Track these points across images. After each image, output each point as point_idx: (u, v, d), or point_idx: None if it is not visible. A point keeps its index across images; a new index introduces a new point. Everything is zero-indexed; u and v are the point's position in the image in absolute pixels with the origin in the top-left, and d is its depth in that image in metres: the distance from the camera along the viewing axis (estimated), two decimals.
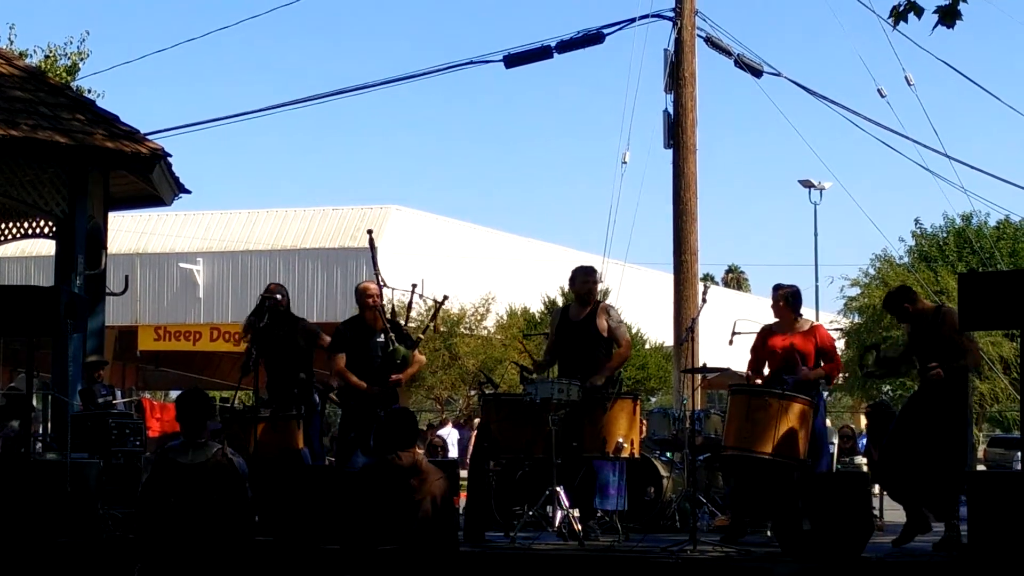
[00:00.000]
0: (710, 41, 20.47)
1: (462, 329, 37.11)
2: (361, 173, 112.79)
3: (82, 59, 30.57)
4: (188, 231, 38.69)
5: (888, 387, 40.73)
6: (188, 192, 16.66)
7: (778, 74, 21.27)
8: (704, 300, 13.23)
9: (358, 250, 34.34)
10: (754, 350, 12.05)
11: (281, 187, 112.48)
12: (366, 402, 11.96)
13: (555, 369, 12.42)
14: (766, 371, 11.95)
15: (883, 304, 12.35)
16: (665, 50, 20.18)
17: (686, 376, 14.69)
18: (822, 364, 11.86)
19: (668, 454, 14.23)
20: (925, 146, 22.94)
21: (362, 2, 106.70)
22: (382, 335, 12.10)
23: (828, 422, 23.15)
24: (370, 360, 12.07)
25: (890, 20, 11.47)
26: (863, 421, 29.69)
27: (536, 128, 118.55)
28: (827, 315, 43.61)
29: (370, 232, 13.92)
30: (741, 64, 20.74)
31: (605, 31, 20.30)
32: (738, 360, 12.89)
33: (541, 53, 20.47)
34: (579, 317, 12.20)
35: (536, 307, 39.89)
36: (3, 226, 16.66)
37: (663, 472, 13.55)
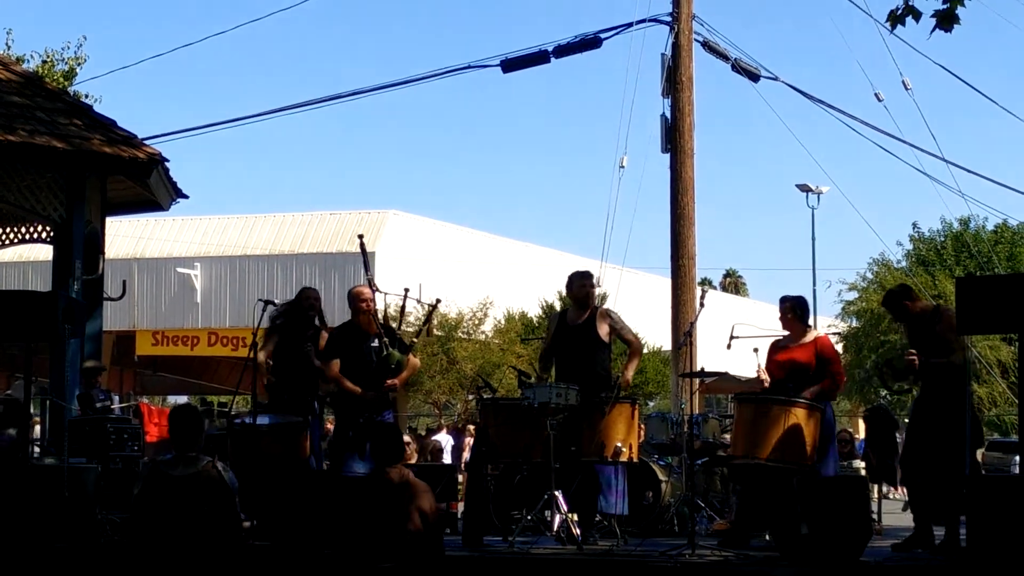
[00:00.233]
0: (707, 45, 20.48)
1: (460, 334, 37.08)
2: (359, 178, 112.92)
3: (79, 64, 30.58)
4: (186, 236, 38.66)
5: (885, 392, 40.73)
6: (186, 197, 16.66)
7: (775, 78, 21.28)
8: (702, 304, 13.23)
9: (356, 255, 34.15)
10: (766, 367, 12.00)
11: (279, 192, 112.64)
12: (360, 407, 11.94)
13: (553, 373, 12.42)
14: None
15: (882, 302, 12.34)
16: (662, 54, 20.19)
17: (684, 380, 14.68)
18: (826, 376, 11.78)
19: (666, 458, 14.22)
20: (923, 150, 22.93)
21: (360, 8, 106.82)
22: (376, 340, 12.07)
23: None
24: (364, 365, 12.03)
25: (888, 24, 11.47)
26: (861, 426, 29.70)
27: (534, 133, 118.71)
28: (825, 319, 43.64)
29: (361, 237, 13.93)
30: (738, 68, 20.74)
31: (602, 36, 20.32)
32: (736, 364, 12.88)
33: (539, 58, 20.48)
34: (578, 321, 12.21)
35: (534, 312, 39.87)
36: (1, 231, 16.65)
37: (661, 476, 13.55)
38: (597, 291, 13.66)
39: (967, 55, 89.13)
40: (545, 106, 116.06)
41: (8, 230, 16.51)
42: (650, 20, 20.32)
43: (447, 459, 25.84)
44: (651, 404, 43.42)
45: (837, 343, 43.82)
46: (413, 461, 19.41)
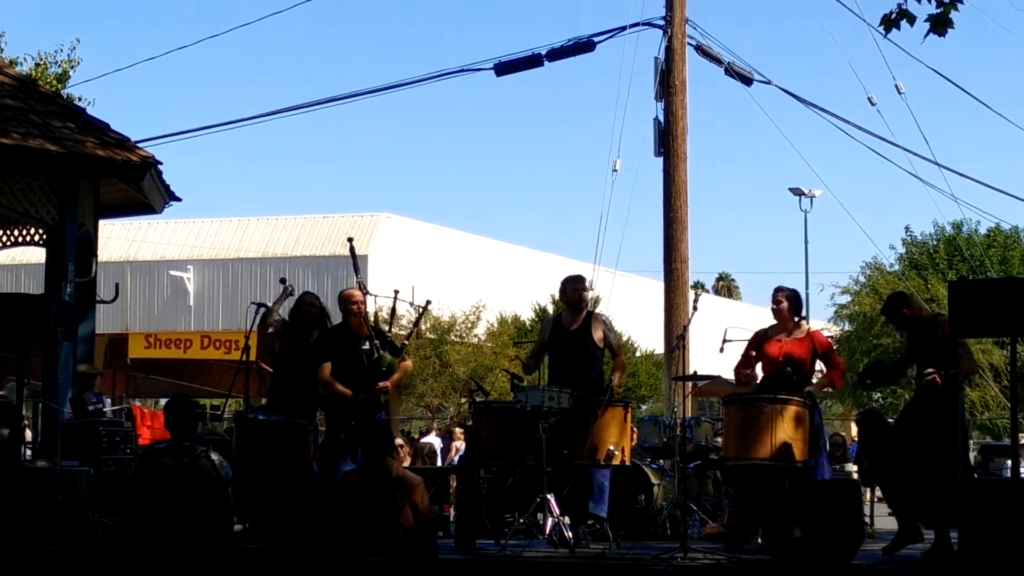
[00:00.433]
0: (700, 49, 20.49)
1: (452, 337, 37.09)
2: (352, 181, 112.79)
3: (72, 67, 30.56)
4: (179, 239, 38.64)
5: (879, 395, 40.76)
6: (179, 200, 16.64)
7: (768, 82, 21.31)
8: (695, 308, 13.24)
9: (349, 258, 34.31)
10: (747, 353, 12.01)
11: (272, 195, 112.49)
12: (352, 410, 11.93)
13: (545, 377, 12.43)
14: (757, 370, 11.93)
15: (881, 310, 12.36)
16: (656, 58, 20.20)
17: (677, 384, 14.73)
18: (824, 371, 11.85)
19: (659, 461, 14.24)
20: (915, 154, 22.98)
21: (353, 11, 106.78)
22: (367, 342, 12.08)
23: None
24: (356, 368, 12.03)
25: (881, 28, 11.47)
26: (853, 429, 29.73)
27: (527, 136, 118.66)
28: (818, 323, 43.59)
29: (350, 240, 13.93)
30: (731, 72, 20.76)
31: (596, 39, 20.32)
32: (729, 368, 12.89)
33: (532, 61, 20.48)
34: (573, 326, 12.23)
35: (527, 315, 39.88)
36: None
37: (654, 479, 13.56)
38: (590, 295, 13.66)
39: (960, 59, 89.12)
40: (538, 109, 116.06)
41: (1, 233, 16.49)
42: (643, 24, 20.33)
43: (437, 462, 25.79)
44: (644, 407, 43.41)
45: None
46: (406, 464, 19.38)
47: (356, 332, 12.11)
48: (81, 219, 15.12)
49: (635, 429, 14.15)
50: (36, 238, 15.76)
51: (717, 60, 20.65)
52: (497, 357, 36.22)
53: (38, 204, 14.62)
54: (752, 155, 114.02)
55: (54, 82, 28.80)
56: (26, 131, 14.11)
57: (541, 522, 11.43)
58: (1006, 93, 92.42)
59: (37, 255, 19.55)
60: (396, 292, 12.71)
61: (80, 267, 15.05)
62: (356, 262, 13.00)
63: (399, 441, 22.22)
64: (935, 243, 43.59)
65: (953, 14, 11.13)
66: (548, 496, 11.28)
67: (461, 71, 21.02)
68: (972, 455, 24.08)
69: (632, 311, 36.56)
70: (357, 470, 10.02)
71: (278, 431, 11.70)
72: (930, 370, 10.89)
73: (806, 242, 55.33)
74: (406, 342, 12.66)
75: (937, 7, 11.11)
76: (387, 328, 12.64)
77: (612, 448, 11.51)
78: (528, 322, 39.22)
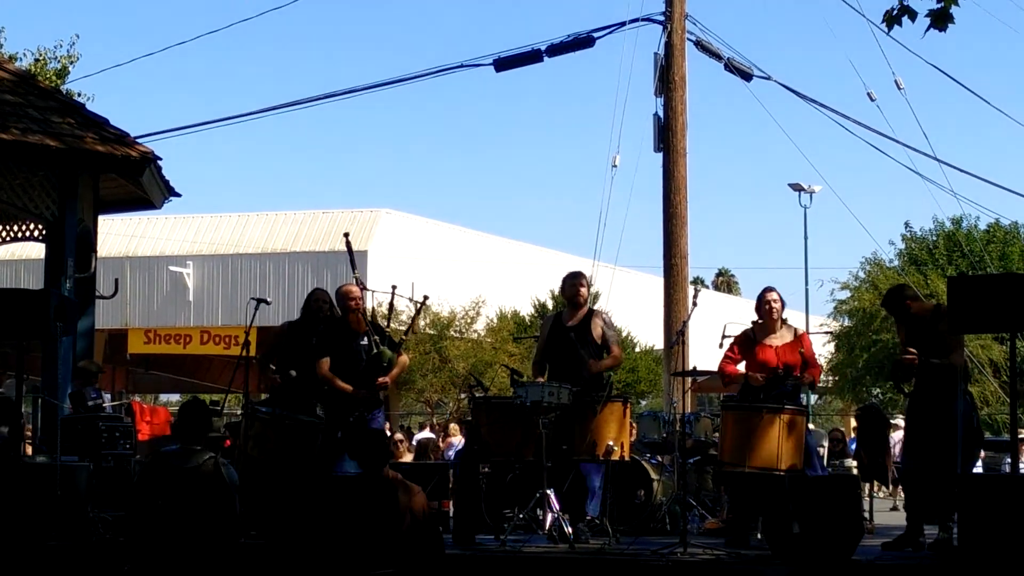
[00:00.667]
0: (700, 45, 20.50)
1: (452, 332, 37.10)
2: (351, 176, 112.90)
3: (72, 62, 30.51)
4: (178, 234, 38.65)
5: (878, 390, 40.77)
6: (178, 195, 16.64)
7: (768, 78, 21.31)
8: (694, 303, 13.23)
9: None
10: (732, 355, 11.96)
11: (271, 190, 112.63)
12: (351, 406, 11.93)
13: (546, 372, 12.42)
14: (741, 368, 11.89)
15: (883, 302, 12.32)
16: (655, 54, 20.21)
17: (676, 379, 14.74)
18: (807, 370, 11.83)
19: (658, 457, 14.24)
20: (915, 150, 23.01)
21: (352, 6, 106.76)
22: (365, 338, 12.07)
23: (812, 426, 23.18)
24: (355, 363, 12.02)
25: (883, 24, 11.47)
26: (852, 424, 29.72)
27: (526, 132, 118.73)
28: (817, 318, 43.70)
29: (347, 235, 13.93)
30: (731, 68, 20.76)
31: (595, 35, 20.35)
32: None
33: (531, 57, 20.49)
34: (573, 322, 12.24)
35: (526, 310, 39.91)
36: None
37: (653, 475, 13.55)
38: (591, 290, 13.66)
39: (959, 55, 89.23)
40: (538, 105, 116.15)
41: (0, 228, 16.49)
42: (643, 19, 20.36)
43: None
44: (643, 403, 43.45)
45: (829, 342, 43.93)
46: (406, 459, 19.37)
47: (354, 328, 12.10)
48: (80, 215, 15.11)
49: (634, 425, 14.15)
50: (36, 234, 15.76)
51: (717, 56, 20.66)
52: (497, 352, 36.25)
53: (38, 200, 14.62)
54: (752, 151, 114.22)
55: (53, 78, 28.77)
56: (25, 127, 14.10)
57: (541, 517, 11.43)
58: (1006, 89, 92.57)
59: (37, 250, 19.54)
60: (394, 288, 12.69)
61: (80, 262, 15.05)
62: (353, 258, 12.98)
63: (398, 436, 22.22)
64: (935, 239, 43.58)
65: (954, 9, 11.12)
66: (548, 491, 11.28)
67: (461, 67, 21.05)
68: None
69: (632, 307, 36.59)
70: (356, 479, 9.93)
71: (290, 428, 11.68)
72: (910, 349, 10.92)
73: (805, 238, 55.19)
74: (404, 337, 12.65)
75: (937, 2, 11.11)
76: (385, 324, 12.62)
77: (611, 444, 11.51)
78: (527, 318, 39.24)
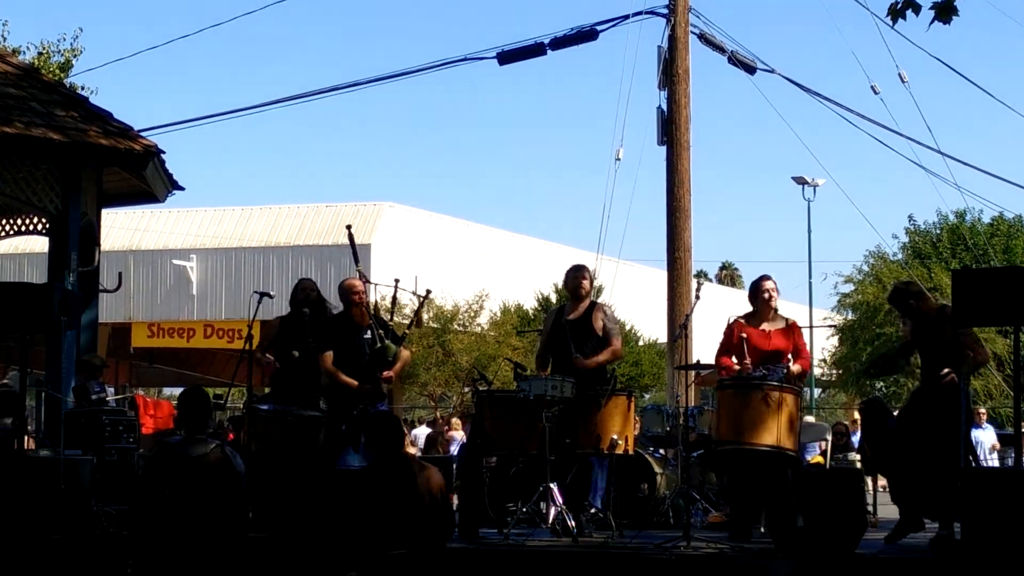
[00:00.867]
0: (703, 38, 20.49)
1: (456, 326, 37.11)
2: (355, 170, 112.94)
3: (75, 56, 30.56)
4: (181, 228, 38.66)
5: (881, 384, 40.76)
6: (181, 189, 16.66)
7: (771, 71, 21.30)
8: (698, 297, 13.20)
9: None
10: (727, 344, 11.95)
11: (275, 184, 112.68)
12: (355, 399, 11.93)
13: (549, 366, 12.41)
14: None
15: (888, 298, 12.31)
16: (659, 47, 20.20)
17: (680, 373, 14.67)
18: (794, 360, 11.81)
19: (661, 451, 14.23)
20: (919, 143, 22.95)
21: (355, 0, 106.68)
22: (369, 332, 12.05)
23: (812, 418, 23.18)
24: (358, 357, 12.02)
25: (887, 17, 11.45)
26: (856, 417, 29.70)
27: (530, 125, 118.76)
28: (821, 312, 43.70)
29: (349, 228, 13.90)
30: (735, 61, 20.75)
31: (599, 28, 20.33)
32: None
33: (535, 50, 20.48)
34: (575, 315, 12.22)
35: (530, 304, 39.90)
36: None
37: (657, 468, 13.55)
38: (595, 283, 13.64)
39: (963, 48, 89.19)
40: (541, 98, 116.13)
41: (4, 222, 16.50)
42: (646, 12, 20.35)
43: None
44: (647, 396, 43.43)
45: (832, 335, 43.92)
46: (410, 452, 19.38)
47: (358, 322, 12.09)
48: (84, 208, 15.13)
49: (638, 418, 14.14)
50: (39, 227, 15.78)
51: (720, 49, 20.65)
52: (500, 346, 36.27)
53: (41, 193, 14.63)
54: (755, 144, 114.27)
55: (57, 71, 28.80)
56: (29, 120, 14.11)
57: (544, 511, 11.43)
58: (1010, 82, 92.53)
59: (40, 244, 19.55)
60: (397, 281, 12.68)
61: (83, 256, 15.06)
62: (356, 251, 12.96)
63: None
64: (938, 232, 43.57)
65: (958, 2, 11.12)
66: (551, 485, 11.28)
67: (464, 60, 21.05)
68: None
69: (635, 300, 36.58)
70: (376, 464, 9.89)
71: (292, 424, 11.68)
72: (947, 370, 10.89)
73: (809, 231, 54.96)
74: (407, 331, 12.65)
75: None
76: (388, 317, 12.61)
77: (615, 437, 11.50)
78: (531, 311, 39.25)
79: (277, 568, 10.47)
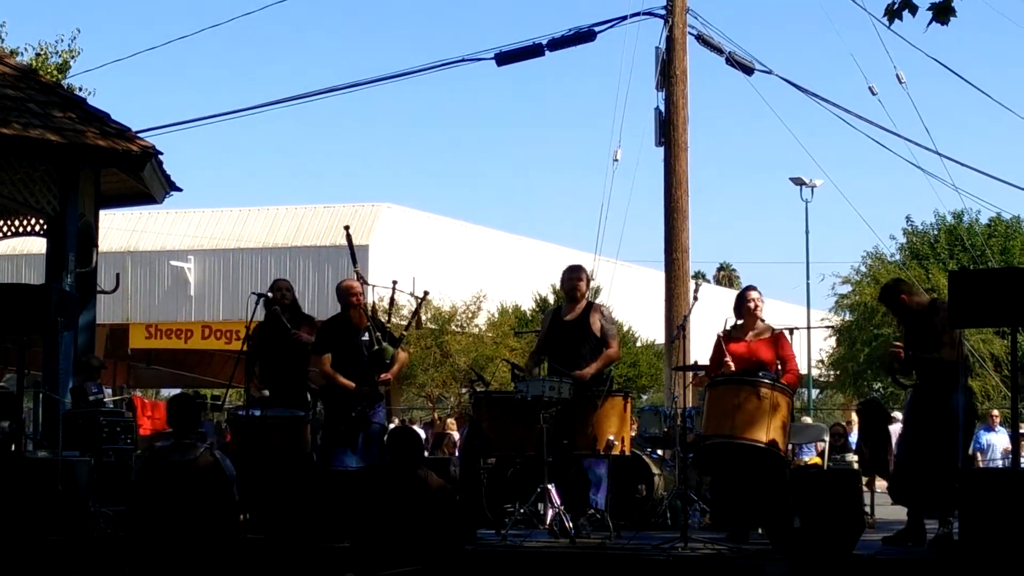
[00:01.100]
0: (701, 39, 20.49)
1: (453, 327, 37.11)
2: (352, 171, 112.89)
3: (73, 57, 30.58)
4: (179, 229, 38.65)
5: (879, 385, 40.76)
6: (179, 190, 16.66)
7: (769, 72, 21.30)
8: (695, 298, 13.20)
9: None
10: (715, 358, 11.95)
11: (272, 185, 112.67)
12: (352, 402, 11.92)
13: (545, 367, 12.40)
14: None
15: (879, 297, 12.34)
16: (656, 48, 20.21)
17: (677, 374, 14.72)
18: (784, 375, 11.74)
19: (659, 452, 14.23)
20: (916, 144, 22.95)
21: (353, 0, 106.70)
22: (366, 333, 12.05)
23: (809, 419, 23.17)
24: (356, 359, 12.01)
25: (884, 18, 11.46)
26: (854, 418, 29.70)
27: (527, 126, 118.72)
28: (818, 313, 43.66)
29: (347, 228, 13.90)
30: (732, 62, 20.76)
31: (596, 29, 20.32)
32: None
33: (532, 51, 20.48)
34: (572, 316, 12.20)
35: (527, 305, 39.91)
36: None
37: (654, 469, 13.55)
38: (592, 284, 13.64)
39: (961, 49, 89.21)
40: (539, 99, 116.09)
41: (2, 223, 16.50)
42: (644, 13, 20.35)
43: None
44: (644, 397, 43.44)
45: (830, 336, 43.91)
46: None
47: (356, 324, 12.08)
48: (82, 209, 15.13)
49: (635, 419, 14.15)
50: (37, 228, 15.77)
51: (718, 50, 20.66)
52: (498, 347, 36.27)
53: (39, 194, 14.63)
54: (753, 145, 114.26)
55: (54, 72, 28.81)
56: (27, 121, 14.11)
57: (542, 512, 11.43)
58: (1008, 82, 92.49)
59: (38, 245, 19.54)
60: (395, 283, 12.68)
61: (81, 257, 15.06)
62: (353, 252, 12.96)
63: None
64: (936, 233, 43.58)
65: (955, 2, 11.12)
66: (549, 486, 11.28)
67: (462, 61, 21.04)
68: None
69: (633, 301, 36.59)
70: (384, 471, 9.85)
71: (275, 426, 11.69)
72: (897, 343, 10.92)
73: (807, 232, 55.40)
74: (404, 333, 12.65)
75: None
76: (386, 319, 12.61)
77: (612, 438, 11.50)
78: (529, 312, 39.25)
79: (274, 569, 10.48)
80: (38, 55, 29.81)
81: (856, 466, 15.86)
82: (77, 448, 12.62)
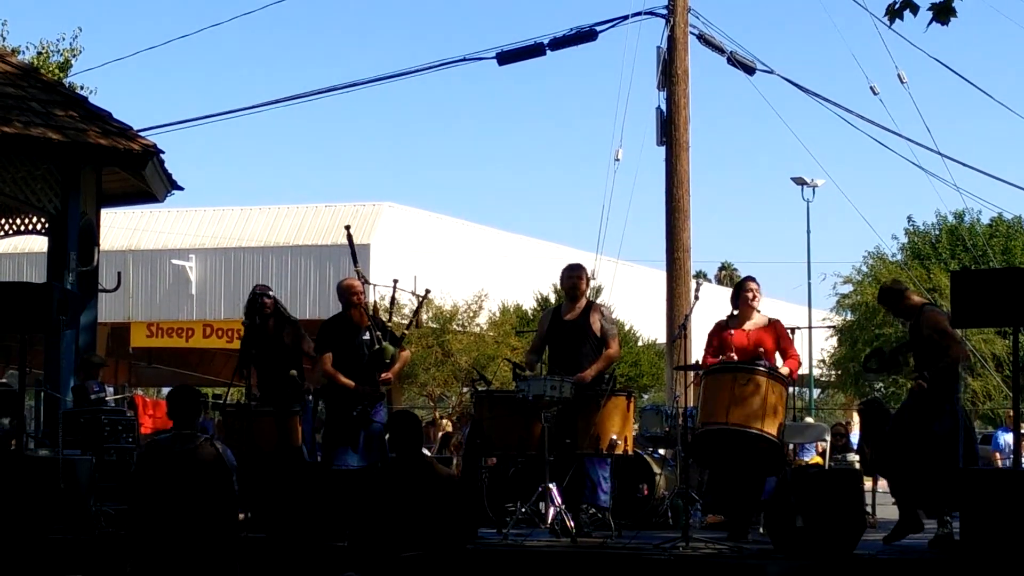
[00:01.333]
0: (703, 38, 20.49)
1: (455, 326, 37.09)
2: (354, 170, 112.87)
3: (75, 56, 30.55)
4: (180, 228, 38.64)
5: (881, 384, 40.76)
6: (181, 189, 16.67)
7: (771, 71, 21.30)
8: (697, 297, 13.20)
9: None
10: (711, 347, 11.96)
11: (274, 184, 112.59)
12: (354, 401, 11.93)
13: (546, 362, 12.41)
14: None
15: (877, 299, 12.37)
16: (658, 47, 20.20)
17: (679, 373, 14.68)
18: (783, 361, 11.79)
19: (660, 451, 14.23)
20: (918, 144, 22.96)
21: (354, 0, 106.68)
22: (367, 333, 12.05)
23: (811, 419, 23.14)
24: (357, 358, 12.02)
25: (885, 18, 11.47)
26: (856, 418, 29.71)
27: (529, 125, 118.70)
28: (820, 312, 43.67)
29: (348, 228, 13.89)
30: (734, 62, 20.75)
31: (598, 28, 20.32)
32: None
33: (534, 50, 20.47)
34: (572, 315, 12.19)
35: (529, 304, 39.89)
36: None
37: (656, 469, 13.55)
38: (593, 283, 13.63)
39: (962, 49, 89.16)
40: (540, 99, 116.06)
41: (3, 221, 16.51)
42: (646, 13, 20.36)
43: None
44: (646, 397, 43.42)
45: (831, 336, 43.90)
46: None
47: (357, 323, 12.09)
48: (83, 208, 15.13)
49: (637, 418, 14.14)
50: (38, 227, 15.79)
51: (719, 49, 20.66)
52: (499, 346, 36.24)
53: (40, 193, 14.64)
54: (754, 144, 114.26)
55: (56, 71, 28.79)
56: (28, 120, 14.12)
57: (543, 511, 11.43)
58: (1009, 82, 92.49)
59: (39, 244, 19.56)
60: (395, 281, 12.69)
61: (82, 256, 15.07)
62: (354, 251, 12.96)
63: None
64: (937, 233, 43.60)
65: (956, 2, 11.13)
66: (550, 485, 11.27)
67: (463, 60, 21.04)
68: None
69: (634, 300, 36.58)
70: (394, 462, 9.84)
71: (263, 417, 11.79)
72: (916, 375, 10.95)
73: (808, 231, 55.45)
74: (405, 332, 12.65)
75: None
76: (387, 318, 12.62)
77: (614, 437, 11.50)
78: (530, 311, 39.23)
79: (276, 568, 10.48)
80: (40, 54, 29.80)
81: (857, 466, 15.86)
82: (78, 447, 12.63)
